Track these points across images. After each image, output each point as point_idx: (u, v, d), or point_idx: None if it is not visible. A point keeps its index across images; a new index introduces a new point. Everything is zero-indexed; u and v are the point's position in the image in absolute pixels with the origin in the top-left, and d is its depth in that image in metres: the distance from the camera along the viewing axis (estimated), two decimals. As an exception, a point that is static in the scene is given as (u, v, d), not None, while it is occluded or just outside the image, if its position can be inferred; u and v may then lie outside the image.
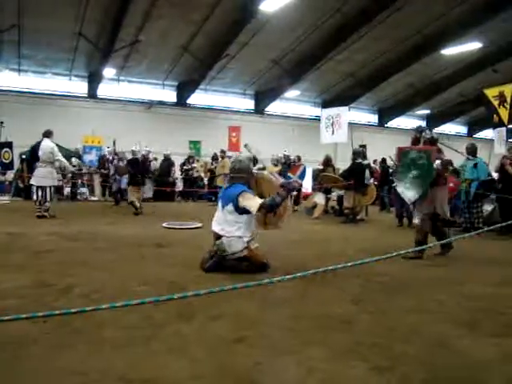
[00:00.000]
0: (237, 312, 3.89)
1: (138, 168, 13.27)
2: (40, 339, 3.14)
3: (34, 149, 11.14)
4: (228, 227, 5.41)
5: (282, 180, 6.30)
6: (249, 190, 5.51)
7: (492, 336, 3.48)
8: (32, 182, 11.10)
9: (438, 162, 6.73)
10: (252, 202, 5.29)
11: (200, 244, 5.66)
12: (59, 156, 10.98)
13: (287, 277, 3.55)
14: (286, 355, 3.03)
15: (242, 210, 5.36)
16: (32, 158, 11.43)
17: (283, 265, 5.84)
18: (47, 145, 10.86)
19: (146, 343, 3.15)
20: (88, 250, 6.74)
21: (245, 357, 2.98)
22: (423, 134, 7.40)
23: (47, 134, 10.99)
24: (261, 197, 5.52)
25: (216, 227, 5.54)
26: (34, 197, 10.95)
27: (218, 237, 5.47)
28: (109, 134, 18.40)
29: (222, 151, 18.31)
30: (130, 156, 14.13)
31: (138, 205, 12.62)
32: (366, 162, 12.63)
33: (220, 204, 5.59)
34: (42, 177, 10.78)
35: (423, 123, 32.78)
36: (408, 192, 7.00)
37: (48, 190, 10.78)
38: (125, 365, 2.80)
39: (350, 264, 3.52)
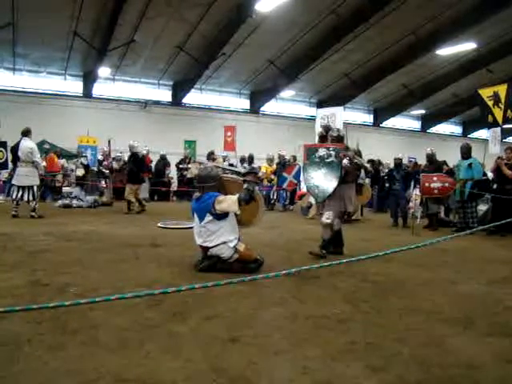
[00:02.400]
0: (231, 312, 3.90)
1: (138, 164, 13.07)
2: (34, 340, 3.14)
3: (15, 149, 11.02)
4: (211, 237, 5.39)
5: (238, 177, 6.14)
6: (218, 193, 5.44)
7: (486, 335, 3.50)
8: (13, 181, 10.95)
9: (346, 159, 6.63)
10: (229, 201, 5.26)
11: (195, 244, 5.65)
12: (37, 157, 10.80)
13: (282, 272, 3.56)
14: (281, 355, 3.04)
15: (221, 215, 5.35)
16: (13, 157, 11.31)
17: (278, 264, 5.85)
18: (26, 145, 10.68)
19: (141, 344, 3.15)
20: (83, 250, 6.73)
21: (239, 356, 2.99)
22: (330, 132, 7.27)
23: (25, 133, 10.81)
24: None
25: (199, 240, 5.52)
26: (13, 196, 10.80)
27: (205, 249, 5.47)
28: (104, 133, 18.36)
29: (212, 153, 18.28)
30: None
31: (133, 205, 12.63)
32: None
33: (196, 217, 5.52)
34: (24, 176, 10.65)
35: (418, 123, 32.92)
36: (317, 190, 6.85)
37: (32, 189, 10.70)
38: (120, 365, 2.80)
39: (344, 260, 3.53)
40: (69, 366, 2.78)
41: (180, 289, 3.15)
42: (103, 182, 17.40)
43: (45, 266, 5.49)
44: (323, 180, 6.72)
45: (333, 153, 6.69)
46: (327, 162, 6.70)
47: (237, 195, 5.27)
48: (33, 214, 10.59)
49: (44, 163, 14.96)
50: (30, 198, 10.68)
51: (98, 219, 10.83)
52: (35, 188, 10.77)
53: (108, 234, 8.47)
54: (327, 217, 6.74)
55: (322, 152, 6.79)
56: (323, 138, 7.38)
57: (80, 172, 16.93)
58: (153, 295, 4.10)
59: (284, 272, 3.50)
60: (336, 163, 6.64)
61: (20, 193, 10.66)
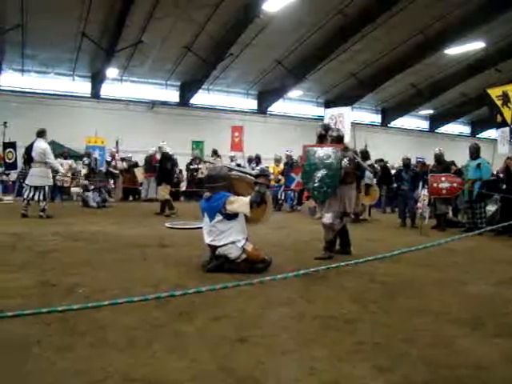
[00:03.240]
0: (239, 312, 3.90)
1: (170, 164, 12.86)
2: (43, 341, 3.15)
3: (28, 149, 11.10)
4: (219, 236, 5.42)
5: (246, 175, 6.18)
6: (229, 194, 5.48)
7: (495, 336, 3.48)
8: (26, 181, 10.99)
9: (346, 160, 6.59)
10: (240, 203, 5.30)
11: (202, 244, 5.67)
12: (50, 158, 10.84)
13: (290, 274, 3.54)
14: (288, 355, 3.04)
15: (231, 215, 5.38)
16: (27, 158, 11.40)
17: (286, 264, 5.85)
18: (39, 145, 10.75)
19: (148, 344, 3.15)
20: (92, 250, 6.75)
21: (247, 357, 2.99)
22: (329, 132, 7.16)
23: (40, 134, 10.87)
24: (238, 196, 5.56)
25: (208, 239, 5.54)
26: (25, 195, 10.87)
27: (213, 248, 5.48)
28: (112, 134, 18.44)
29: (215, 152, 18.29)
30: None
31: (172, 204, 12.39)
32: (368, 162, 12.60)
33: (207, 217, 5.54)
34: (37, 177, 10.73)
35: (426, 123, 32.82)
36: (317, 192, 6.73)
37: (43, 190, 10.76)
38: (127, 365, 2.81)
39: (352, 262, 3.51)
40: (77, 366, 2.79)
41: (187, 292, 3.13)
42: (112, 182, 17.45)
43: (53, 266, 5.51)
44: (323, 181, 6.63)
45: (332, 154, 6.60)
46: (327, 163, 6.61)
47: (248, 197, 5.29)
48: (41, 214, 10.63)
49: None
50: (41, 197, 10.74)
51: (105, 219, 10.86)
52: (47, 188, 10.84)
53: (115, 234, 8.50)
54: (327, 218, 6.73)
55: (320, 153, 6.71)
56: (322, 138, 7.25)
57: (83, 171, 16.98)
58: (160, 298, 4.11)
59: (292, 274, 3.49)
60: (336, 164, 6.56)
61: (32, 193, 10.72)
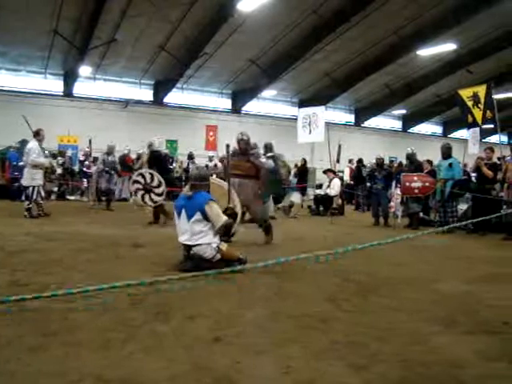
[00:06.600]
0: (214, 311, 3.89)
1: (160, 164, 10.88)
2: (14, 342, 3.09)
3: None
4: (196, 236, 5.40)
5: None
6: (213, 198, 5.56)
7: (468, 334, 3.53)
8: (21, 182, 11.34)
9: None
10: (218, 217, 5.41)
11: (177, 244, 5.64)
12: (32, 157, 10.67)
13: (260, 264, 3.55)
14: (264, 354, 3.04)
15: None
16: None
17: (262, 262, 5.87)
18: (27, 146, 10.99)
19: (123, 344, 3.12)
20: (64, 250, 6.65)
21: (223, 356, 2.98)
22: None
23: (34, 135, 11.01)
24: None
25: (182, 238, 5.53)
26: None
27: (188, 247, 5.47)
28: (85, 132, 18.21)
29: (190, 156, 18.10)
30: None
31: (166, 211, 10.20)
32: (269, 153, 12.50)
33: (184, 214, 5.49)
34: (24, 178, 10.93)
35: (399, 123, 33.20)
36: None
37: (28, 190, 10.78)
38: (102, 366, 2.77)
39: (322, 253, 3.50)
40: (50, 367, 2.75)
41: (157, 280, 3.11)
42: (85, 182, 17.26)
43: (25, 266, 5.42)
44: None
45: None
46: None
47: (225, 218, 5.47)
48: (25, 213, 10.58)
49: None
50: (25, 197, 11.04)
51: (79, 219, 10.74)
52: (30, 189, 10.74)
53: (89, 234, 8.39)
54: None
55: None
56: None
57: (58, 171, 16.79)
58: (134, 295, 4.07)
59: (261, 264, 3.50)
60: None
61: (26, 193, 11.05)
